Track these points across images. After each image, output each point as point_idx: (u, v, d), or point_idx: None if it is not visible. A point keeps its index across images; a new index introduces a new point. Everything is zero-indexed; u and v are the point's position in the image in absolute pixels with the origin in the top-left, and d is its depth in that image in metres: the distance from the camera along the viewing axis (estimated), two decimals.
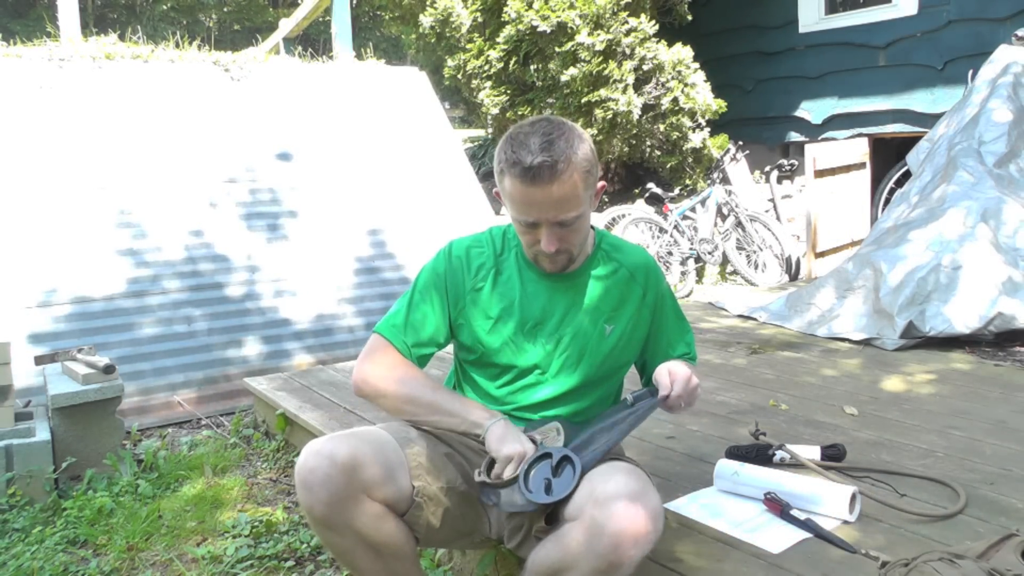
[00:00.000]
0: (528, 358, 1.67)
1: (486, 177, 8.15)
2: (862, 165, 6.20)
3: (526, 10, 5.86)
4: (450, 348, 1.79)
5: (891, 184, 5.86)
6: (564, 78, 5.86)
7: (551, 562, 1.43)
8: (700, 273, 5.92)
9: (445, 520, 1.60)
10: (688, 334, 1.84)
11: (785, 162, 6.50)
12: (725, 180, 6.21)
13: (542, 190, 1.49)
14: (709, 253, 5.79)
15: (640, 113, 6.02)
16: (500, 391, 1.71)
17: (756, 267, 5.90)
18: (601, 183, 1.62)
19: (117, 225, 4.18)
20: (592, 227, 1.72)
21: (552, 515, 1.52)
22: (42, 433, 2.76)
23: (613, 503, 1.33)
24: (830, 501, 1.80)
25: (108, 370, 2.85)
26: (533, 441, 1.53)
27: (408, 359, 1.66)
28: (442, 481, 1.59)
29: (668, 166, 6.51)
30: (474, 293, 1.69)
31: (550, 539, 1.46)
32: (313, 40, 17.52)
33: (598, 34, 5.72)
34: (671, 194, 6.02)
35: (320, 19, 11.13)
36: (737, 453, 2.13)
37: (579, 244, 1.62)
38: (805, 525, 1.74)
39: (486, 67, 6.30)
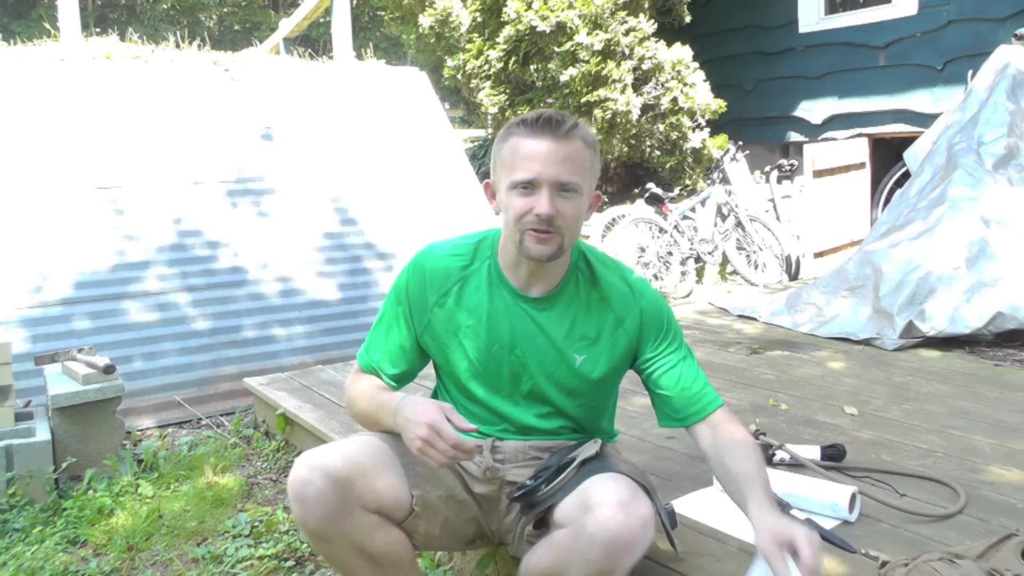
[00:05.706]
0: (495, 381, 1.59)
1: (486, 177, 8.16)
2: (862, 165, 6.21)
3: (525, 10, 5.86)
4: None
5: (891, 184, 5.86)
6: (563, 78, 5.86)
7: (543, 568, 1.42)
8: (700, 273, 5.92)
9: (444, 528, 1.58)
10: (699, 373, 1.63)
11: (785, 162, 6.50)
12: (725, 180, 6.21)
13: (548, 143, 1.44)
14: (709, 253, 5.79)
15: (639, 113, 6.02)
16: (477, 408, 1.64)
17: (756, 267, 5.90)
18: (596, 193, 1.57)
19: (116, 225, 4.18)
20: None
21: (542, 520, 1.51)
22: (42, 433, 2.76)
23: (602, 510, 1.32)
24: (830, 501, 1.80)
25: (108, 370, 2.85)
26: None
27: (379, 378, 1.66)
28: (441, 490, 1.57)
29: (668, 166, 6.50)
30: (437, 309, 1.60)
31: (541, 545, 1.45)
32: (313, 40, 17.51)
33: (597, 34, 5.73)
34: (671, 194, 6.02)
35: (320, 19, 11.12)
36: None
37: (571, 232, 1.49)
38: (805, 525, 1.74)
39: (486, 67, 6.30)
